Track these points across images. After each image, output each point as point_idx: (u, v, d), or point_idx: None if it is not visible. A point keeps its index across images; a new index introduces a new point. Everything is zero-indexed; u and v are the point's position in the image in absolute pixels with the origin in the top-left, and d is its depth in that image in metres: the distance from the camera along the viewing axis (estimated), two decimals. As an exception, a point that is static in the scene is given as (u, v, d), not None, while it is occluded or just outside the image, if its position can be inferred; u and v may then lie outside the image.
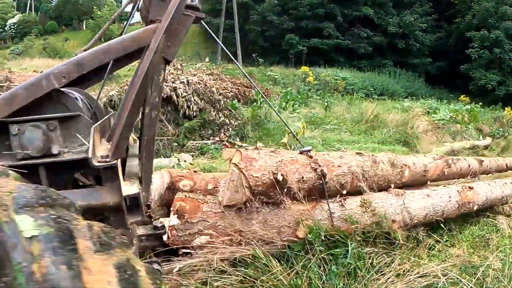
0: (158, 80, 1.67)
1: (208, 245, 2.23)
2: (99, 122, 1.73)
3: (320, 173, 2.13)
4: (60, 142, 1.63)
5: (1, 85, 14.32)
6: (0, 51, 35.39)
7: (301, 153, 2.20)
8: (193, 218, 2.24)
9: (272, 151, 2.15)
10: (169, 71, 8.28)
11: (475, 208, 2.91)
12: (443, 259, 2.48)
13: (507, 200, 3.52)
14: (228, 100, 9.17)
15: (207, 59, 12.20)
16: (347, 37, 30.19)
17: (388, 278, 2.10)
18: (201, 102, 8.20)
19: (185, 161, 5.90)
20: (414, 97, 20.90)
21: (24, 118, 1.60)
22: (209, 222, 2.23)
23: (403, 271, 2.20)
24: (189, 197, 2.34)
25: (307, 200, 2.23)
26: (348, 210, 2.29)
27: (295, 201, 2.24)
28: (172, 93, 7.68)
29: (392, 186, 2.65)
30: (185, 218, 2.23)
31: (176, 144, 7.23)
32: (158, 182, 2.63)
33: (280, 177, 2.02)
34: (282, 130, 8.18)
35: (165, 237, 2.23)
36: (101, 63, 1.72)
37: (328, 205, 2.18)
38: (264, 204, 2.21)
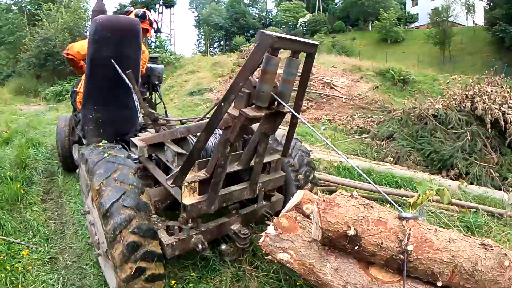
0: (224, 152, 2.60)
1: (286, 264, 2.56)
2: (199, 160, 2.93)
3: (403, 248, 2.03)
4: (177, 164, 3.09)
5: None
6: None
7: (400, 218, 2.14)
8: (284, 235, 2.61)
9: (363, 204, 2.20)
10: (500, 93, 8.12)
11: None
12: None
13: None
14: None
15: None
16: None
17: None
18: (531, 132, 7.83)
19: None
20: None
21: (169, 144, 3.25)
22: (294, 244, 2.56)
23: None
24: (294, 217, 2.70)
25: (385, 270, 2.17)
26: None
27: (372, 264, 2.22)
28: (500, 117, 7.53)
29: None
30: (278, 232, 2.62)
31: (498, 174, 7.07)
32: (294, 199, 3.12)
33: (352, 232, 2.09)
34: None
35: (261, 240, 2.72)
36: (197, 132, 2.88)
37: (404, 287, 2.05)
38: (342, 251, 2.31)
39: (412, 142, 7.89)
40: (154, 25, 5.05)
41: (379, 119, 11.29)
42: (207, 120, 2.45)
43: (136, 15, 4.72)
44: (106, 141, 3.36)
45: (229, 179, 3.14)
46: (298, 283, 3.01)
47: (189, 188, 2.78)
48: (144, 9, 5.10)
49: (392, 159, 7.65)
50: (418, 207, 3.06)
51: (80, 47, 4.31)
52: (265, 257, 2.87)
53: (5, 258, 3.81)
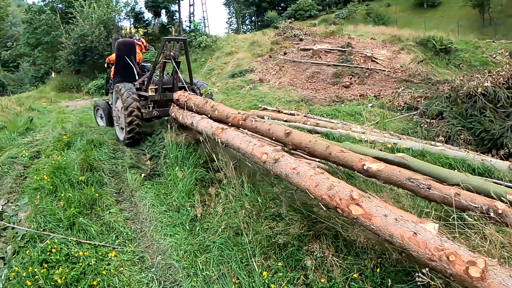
0: (161, 76, 7.94)
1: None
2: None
3: (185, 100, 7.08)
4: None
5: (344, 50, 18.75)
6: (327, 15, 44.35)
7: (201, 95, 7.64)
8: (178, 110, 7.35)
9: (184, 94, 7.36)
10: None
11: (218, 140, 5.40)
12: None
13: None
14: None
15: None
16: None
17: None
18: None
19: None
20: None
21: None
22: (179, 111, 7.24)
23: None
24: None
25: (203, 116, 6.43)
26: (191, 119, 6.45)
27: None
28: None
29: (209, 116, 6.23)
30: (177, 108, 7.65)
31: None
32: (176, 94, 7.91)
33: (176, 99, 7.56)
34: None
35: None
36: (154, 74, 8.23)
37: (185, 111, 6.87)
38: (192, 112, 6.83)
39: (462, 121, 8.21)
40: (145, 44, 10.65)
41: (425, 93, 11.71)
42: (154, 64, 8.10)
43: (136, 39, 10.18)
44: None
45: (168, 90, 8.04)
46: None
47: (151, 90, 8.07)
48: (140, 37, 11.21)
49: (443, 138, 8.07)
50: (204, 94, 7.66)
51: (112, 56, 10.06)
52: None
53: (95, 262, 4.05)
